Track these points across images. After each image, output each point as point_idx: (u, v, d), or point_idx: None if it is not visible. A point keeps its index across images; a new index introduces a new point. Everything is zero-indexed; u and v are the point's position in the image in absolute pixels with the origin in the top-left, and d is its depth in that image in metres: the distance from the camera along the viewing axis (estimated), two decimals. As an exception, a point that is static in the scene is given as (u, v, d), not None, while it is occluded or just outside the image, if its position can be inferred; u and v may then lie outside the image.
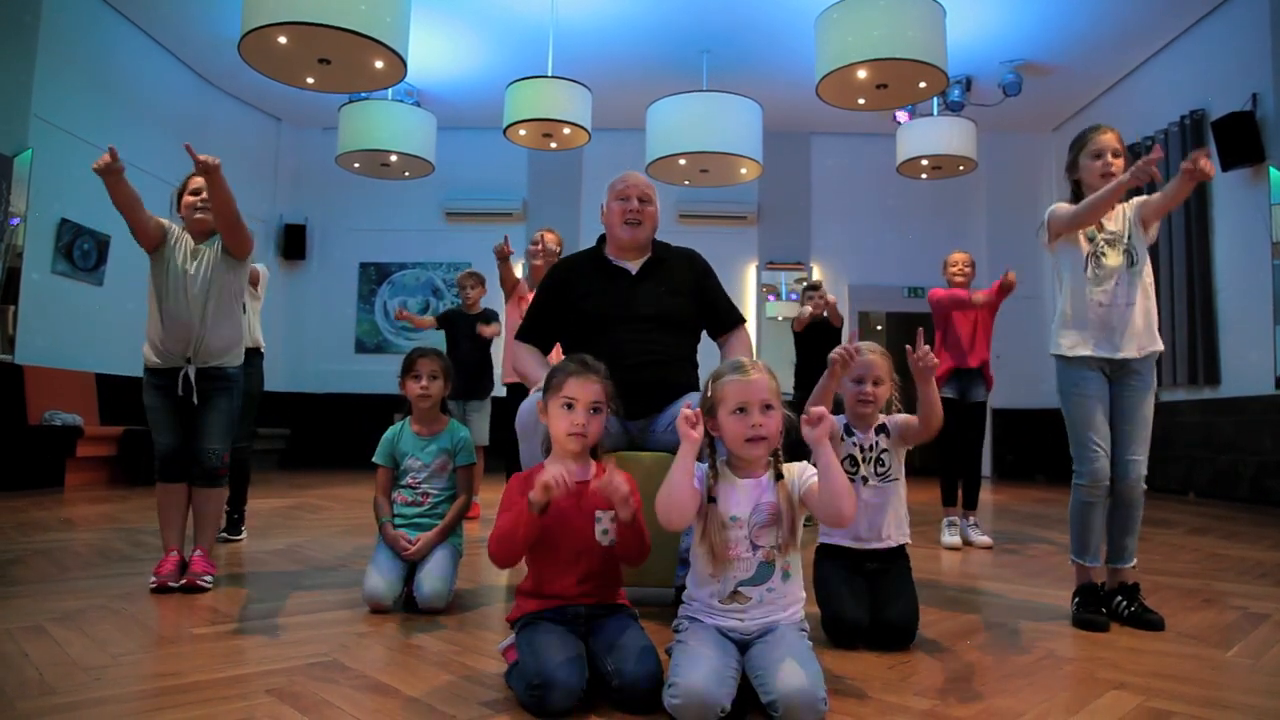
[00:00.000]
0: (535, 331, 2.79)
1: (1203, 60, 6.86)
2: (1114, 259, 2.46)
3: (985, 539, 3.97)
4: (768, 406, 1.68)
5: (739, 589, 1.68)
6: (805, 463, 1.76)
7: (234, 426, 2.92)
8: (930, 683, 1.81)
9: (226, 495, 3.03)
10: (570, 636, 1.69)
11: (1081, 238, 2.49)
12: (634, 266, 2.70)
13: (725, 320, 2.79)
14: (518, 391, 3.63)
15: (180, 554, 2.76)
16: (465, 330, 5.10)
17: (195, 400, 2.78)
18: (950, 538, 3.95)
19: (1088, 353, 2.44)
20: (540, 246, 4.49)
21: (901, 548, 2.29)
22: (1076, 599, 2.43)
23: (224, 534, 3.73)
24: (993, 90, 7.86)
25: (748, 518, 1.69)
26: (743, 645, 1.66)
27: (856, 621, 2.08)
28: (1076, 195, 2.56)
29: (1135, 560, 2.45)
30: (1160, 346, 2.47)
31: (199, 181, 2.76)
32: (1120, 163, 2.49)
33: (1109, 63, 7.68)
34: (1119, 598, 2.40)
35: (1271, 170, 6.00)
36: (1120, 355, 2.43)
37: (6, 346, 6.03)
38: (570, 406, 1.80)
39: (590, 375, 1.83)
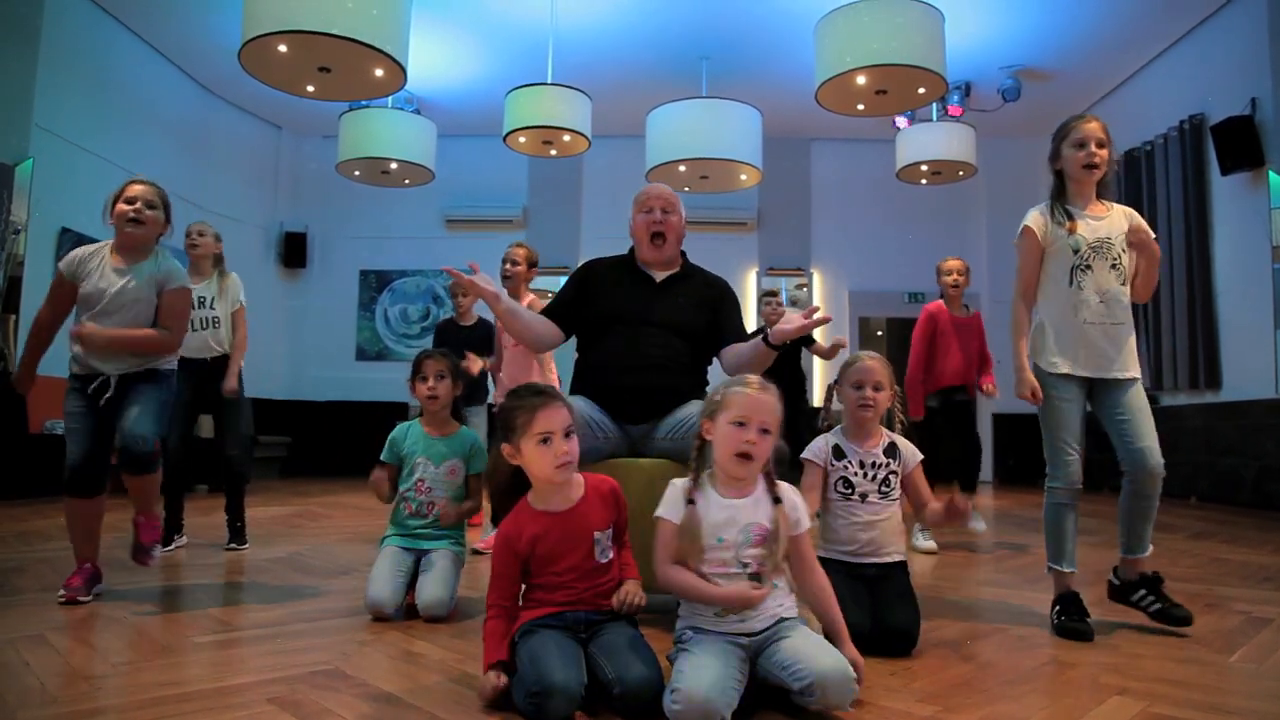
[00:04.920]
0: (555, 314, 2.80)
1: (1201, 65, 6.87)
2: (1102, 271, 2.37)
3: (980, 525, 3.90)
4: (765, 430, 1.70)
5: None
6: (797, 492, 1.81)
7: (165, 415, 2.70)
8: (932, 688, 1.81)
9: (161, 480, 2.70)
10: (569, 643, 1.69)
11: (1067, 247, 2.39)
12: (659, 276, 2.77)
13: (730, 336, 2.78)
14: None
15: (94, 566, 2.63)
16: (457, 341, 5.09)
17: (116, 399, 2.60)
18: (925, 542, 3.88)
19: (1069, 372, 2.39)
20: (516, 267, 4.18)
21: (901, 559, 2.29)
22: (1057, 607, 2.36)
23: (231, 545, 3.73)
24: (991, 96, 7.88)
25: (734, 538, 1.69)
26: (754, 651, 1.66)
27: (858, 627, 2.06)
28: (1059, 186, 2.47)
29: (1151, 548, 2.40)
30: (1138, 372, 2.42)
31: (137, 190, 2.72)
32: (1105, 153, 2.39)
33: (1108, 67, 7.70)
34: (1142, 591, 2.36)
35: (1271, 174, 6.00)
36: (1102, 376, 2.38)
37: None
38: (548, 441, 1.74)
39: (555, 402, 1.78)
